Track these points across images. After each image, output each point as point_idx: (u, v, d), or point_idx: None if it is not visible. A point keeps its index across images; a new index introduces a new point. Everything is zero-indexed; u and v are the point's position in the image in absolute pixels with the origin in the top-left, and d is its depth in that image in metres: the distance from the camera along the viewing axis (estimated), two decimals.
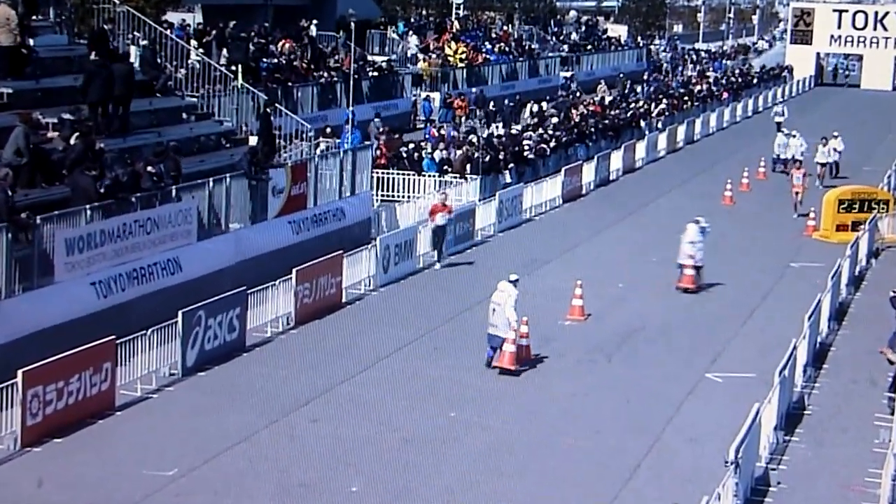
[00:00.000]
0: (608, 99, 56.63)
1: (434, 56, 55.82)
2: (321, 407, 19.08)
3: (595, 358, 22.31)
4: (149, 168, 22.84)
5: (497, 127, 44.63)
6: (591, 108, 51.60)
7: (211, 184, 24.73)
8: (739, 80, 77.33)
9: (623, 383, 20.92)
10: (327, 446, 17.40)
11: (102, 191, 21.46)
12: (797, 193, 36.93)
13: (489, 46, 63.21)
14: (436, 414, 18.93)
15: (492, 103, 51.63)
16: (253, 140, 28.86)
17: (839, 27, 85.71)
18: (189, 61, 31.58)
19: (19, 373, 16.63)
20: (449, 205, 29.04)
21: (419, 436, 18.00)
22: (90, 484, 15.78)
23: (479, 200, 34.06)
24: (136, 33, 30.57)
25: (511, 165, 38.92)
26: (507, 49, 65.07)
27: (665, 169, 47.35)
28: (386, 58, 52.56)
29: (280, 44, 43.52)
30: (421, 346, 22.52)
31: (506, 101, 51.41)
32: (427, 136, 40.53)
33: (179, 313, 19.88)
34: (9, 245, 19.32)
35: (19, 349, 18.47)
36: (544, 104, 51.98)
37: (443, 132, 41.25)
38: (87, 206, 21.02)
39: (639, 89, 63.66)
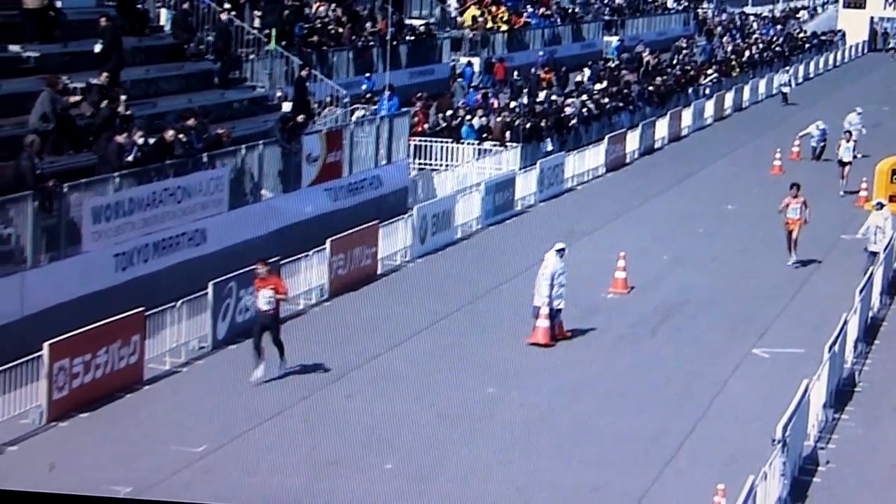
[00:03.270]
0: (651, 63, 55.40)
1: (479, 15, 54.91)
2: (355, 382, 18.80)
3: (638, 332, 21.91)
4: (180, 136, 22.54)
5: (540, 94, 43.76)
6: (630, 76, 50.52)
7: (243, 151, 24.45)
8: (789, 45, 75.86)
9: (667, 359, 20.50)
10: (361, 422, 17.12)
11: (130, 159, 21.17)
12: (791, 232, 26.63)
13: (530, 10, 62.32)
14: (473, 389, 18.60)
15: (526, 71, 50.54)
16: (287, 106, 28.53)
17: None
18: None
19: (45, 345, 16.37)
20: (276, 278, 19.33)
21: (456, 412, 17.69)
22: (117, 459, 15.53)
23: (520, 169, 33.56)
24: None
25: (553, 133, 38.31)
26: (548, 13, 64.14)
27: (712, 137, 46.54)
28: (424, 21, 51.87)
29: (315, 6, 42.96)
30: (459, 320, 22.14)
31: (532, 71, 50.33)
32: (469, 103, 39.90)
33: (210, 284, 19.57)
34: (35, 213, 19.06)
35: (46, 320, 18.24)
36: (587, 70, 51.04)
37: (488, 99, 40.60)
38: (116, 174, 20.73)
39: (674, 57, 62.16)
